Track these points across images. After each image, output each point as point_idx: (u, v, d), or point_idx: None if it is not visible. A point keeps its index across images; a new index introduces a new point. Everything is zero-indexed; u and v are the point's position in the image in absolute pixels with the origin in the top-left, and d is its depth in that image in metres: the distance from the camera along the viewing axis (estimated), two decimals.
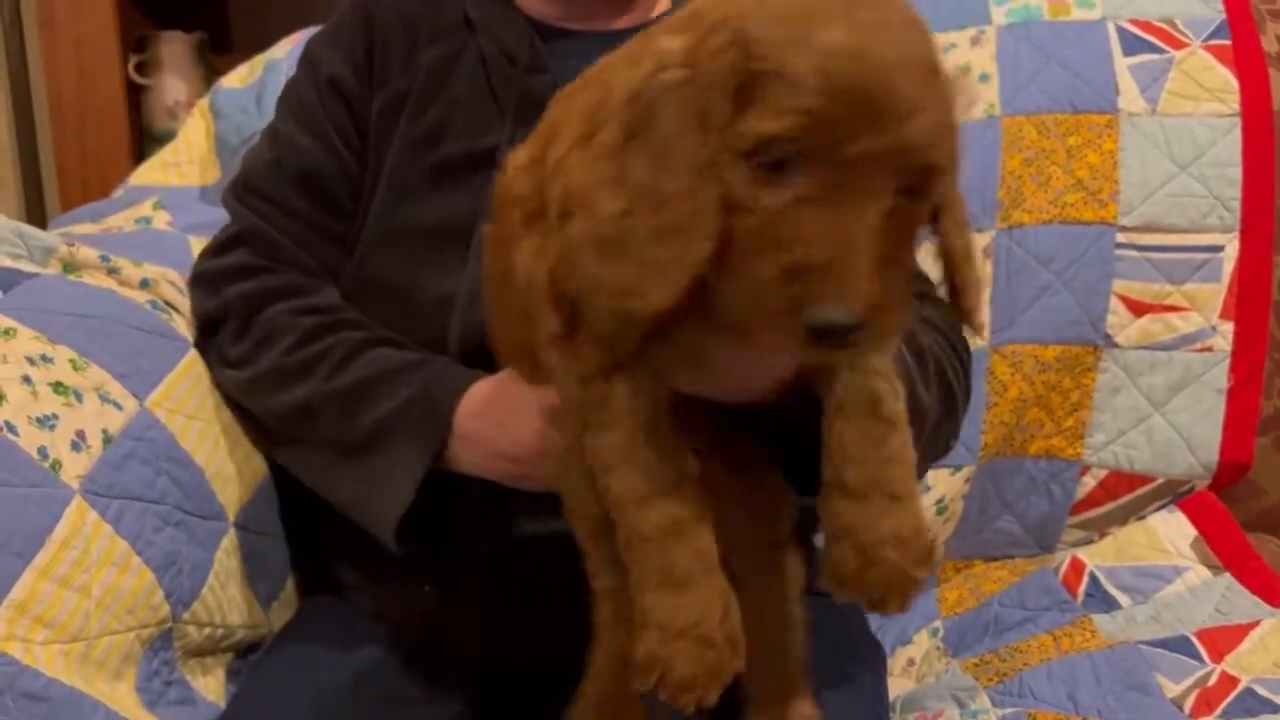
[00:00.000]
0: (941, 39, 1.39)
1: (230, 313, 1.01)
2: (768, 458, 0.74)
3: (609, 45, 1.05)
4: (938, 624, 1.28)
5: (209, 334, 1.04)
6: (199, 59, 2.03)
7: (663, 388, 0.63)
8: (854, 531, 0.61)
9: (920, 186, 0.53)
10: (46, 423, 0.83)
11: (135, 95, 1.99)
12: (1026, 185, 1.35)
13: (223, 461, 1.01)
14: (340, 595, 1.06)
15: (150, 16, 2.01)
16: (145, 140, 1.98)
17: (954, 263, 0.60)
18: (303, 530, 1.11)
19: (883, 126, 0.49)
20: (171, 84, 2.01)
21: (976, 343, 1.32)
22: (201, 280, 1.06)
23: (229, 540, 0.99)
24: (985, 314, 0.65)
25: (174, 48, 2.00)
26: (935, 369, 0.93)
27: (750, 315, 0.53)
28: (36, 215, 2.03)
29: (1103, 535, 1.37)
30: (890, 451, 0.62)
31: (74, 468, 0.83)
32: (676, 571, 0.61)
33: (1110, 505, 1.36)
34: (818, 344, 0.51)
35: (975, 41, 1.40)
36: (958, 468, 1.33)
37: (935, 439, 0.94)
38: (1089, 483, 1.36)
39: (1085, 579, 1.21)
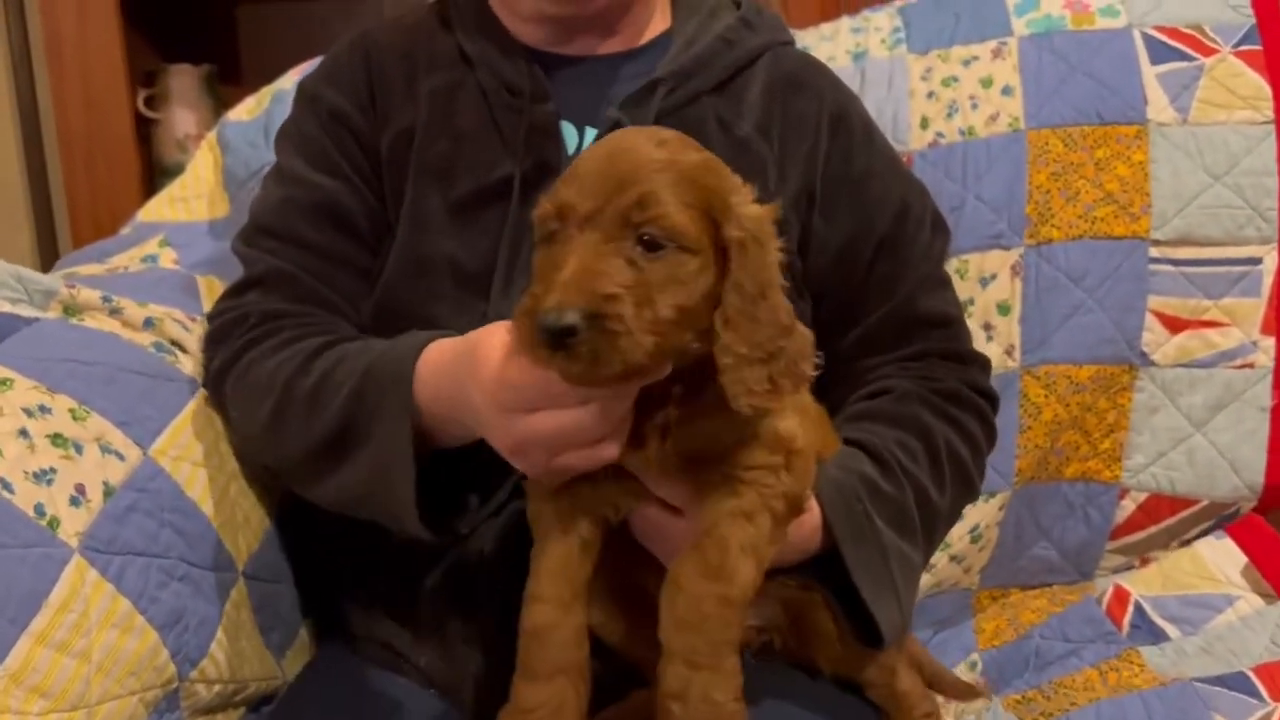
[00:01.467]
0: (962, 51, 1.37)
1: (233, 365, 0.97)
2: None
3: (602, 72, 1.05)
4: (975, 656, 1.24)
5: (216, 389, 0.99)
6: (208, 91, 2.01)
7: (592, 525, 0.81)
8: (659, 683, 0.76)
9: (650, 237, 0.69)
10: (44, 477, 0.80)
11: (145, 129, 1.97)
12: (1055, 200, 1.31)
13: (231, 509, 0.97)
14: (351, 646, 1.03)
15: (158, 49, 2.00)
16: (156, 174, 1.96)
17: (718, 349, 0.72)
18: (315, 572, 1.08)
19: (595, 199, 0.70)
20: (181, 117, 1.99)
21: (1006, 364, 1.29)
22: (210, 334, 1.01)
23: (238, 591, 0.96)
24: (755, 402, 0.72)
25: (183, 80, 1.99)
26: (948, 454, 0.98)
27: (517, 335, 0.70)
28: (49, 253, 2.02)
29: (1144, 561, 1.32)
30: (704, 614, 0.75)
31: (73, 524, 0.80)
32: (534, 665, 0.79)
33: (1152, 529, 1.31)
34: (553, 349, 0.66)
35: (996, 54, 1.36)
36: (992, 494, 1.28)
37: (951, 521, 1.03)
38: (1128, 506, 1.31)
39: (1130, 609, 1.16)
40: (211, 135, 1.49)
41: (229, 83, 2.02)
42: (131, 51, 1.86)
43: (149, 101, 1.96)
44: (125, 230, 1.43)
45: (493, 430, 0.77)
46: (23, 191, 2.03)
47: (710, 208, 0.72)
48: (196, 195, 1.46)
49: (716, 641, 0.74)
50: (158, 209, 1.44)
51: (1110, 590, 1.18)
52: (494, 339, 0.77)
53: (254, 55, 2.12)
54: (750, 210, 0.73)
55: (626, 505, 0.82)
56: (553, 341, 0.66)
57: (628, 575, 0.86)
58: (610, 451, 0.76)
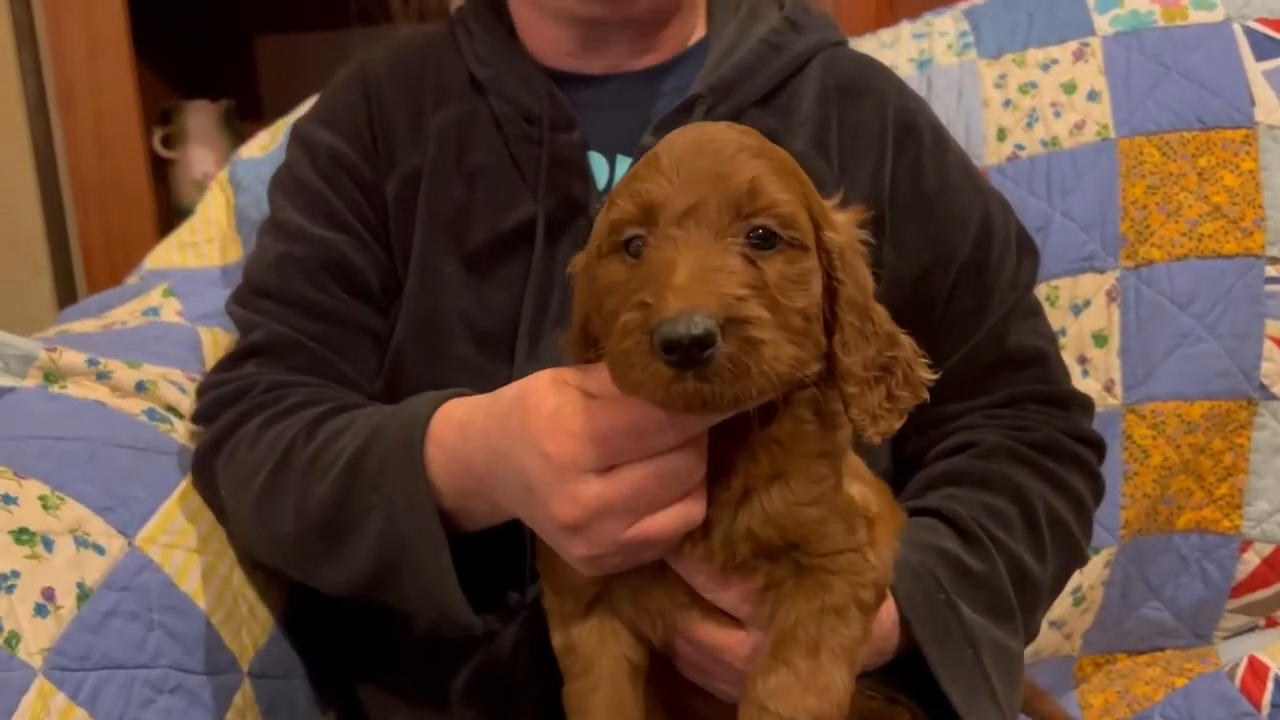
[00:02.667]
0: (1039, 54, 1.24)
1: (227, 438, 0.85)
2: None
3: (633, 90, 0.92)
4: None
5: (204, 464, 0.87)
6: (226, 128, 1.93)
7: (638, 645, 0.69)
8: None
9: (764, 229, 0.59)
10: (2, 584, 0.68)
11: (162, 170, 1.89)
12: (1153, 216, 1.17)
13: (233, 601, 0.85)
14: None
15: (174, 86, 1.92)
16: (174, 216, 1.87)
17: (842, 375, 0.63)
18: (332, 663, 0.95)
19: (694, 191, 0.59)
20: (199, 155, 1.91)
21: (1106, 401, 1.15)
22: (202, 409, 0.89)
23: (242, 695, 0.83)
24: (883, 428, 0.64)
25: (200, 118, 1.91)
26: (1048, 518, 0.86)
27: (618, 361, 0.57)
28: (69, 303, 1.93)
29: (1270, 622, 1.18)
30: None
31: (37, 639, 0.67)
32: None
33: (1278, 586, 1.16)
34: (683, 366, 0.54)
35: (1078, 55, 1.22)
36: (1096, 550, 1.14)
37: (1055, 594, 0.90)
38: (1251, 560, 1.17)
39: (1270, 685, 1.00)
40: (223, 174, 1.39)
41: (248, 119, 1.94)
42: (146, 89, 1.79)
43: (166, 140, 1.88)
44: (131, 279, 1.33)
45: (549, 500, 0.63)
46: (42, 240, 1.96)
47: (809, 205, 0.62)
48: (207, 239, 1.36)
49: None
50: (166, 255, 1.35)
51: (1244, 663, 1.03)
52: (544, 386, 0.64)
53: (274, 89, 2.04)
54: (841, 217, 0.64)
55: (672, 621, 0.68)
56: (684, 358, 0.53)
57: (669, 697, 0.73)
58: (699, 511, 0.63)
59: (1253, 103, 1.17)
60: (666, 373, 0.54)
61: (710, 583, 0.66)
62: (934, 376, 0.66)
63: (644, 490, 0.61)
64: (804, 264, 0.60)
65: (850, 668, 0.65)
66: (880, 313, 0.65)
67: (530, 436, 0.63)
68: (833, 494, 0.65)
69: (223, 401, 0.86)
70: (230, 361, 0.90)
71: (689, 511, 0.63)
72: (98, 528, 0.77)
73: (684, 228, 0.58)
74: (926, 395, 0.66)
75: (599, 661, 0.68)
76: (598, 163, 0.89)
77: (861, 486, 0.70)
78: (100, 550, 0.76)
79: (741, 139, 0.62)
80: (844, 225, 0.65)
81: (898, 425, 0.64)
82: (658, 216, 0.59)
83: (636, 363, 0.56)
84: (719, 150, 0.60)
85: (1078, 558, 0.91)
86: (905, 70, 1.27)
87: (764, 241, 0.59)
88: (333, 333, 0.88)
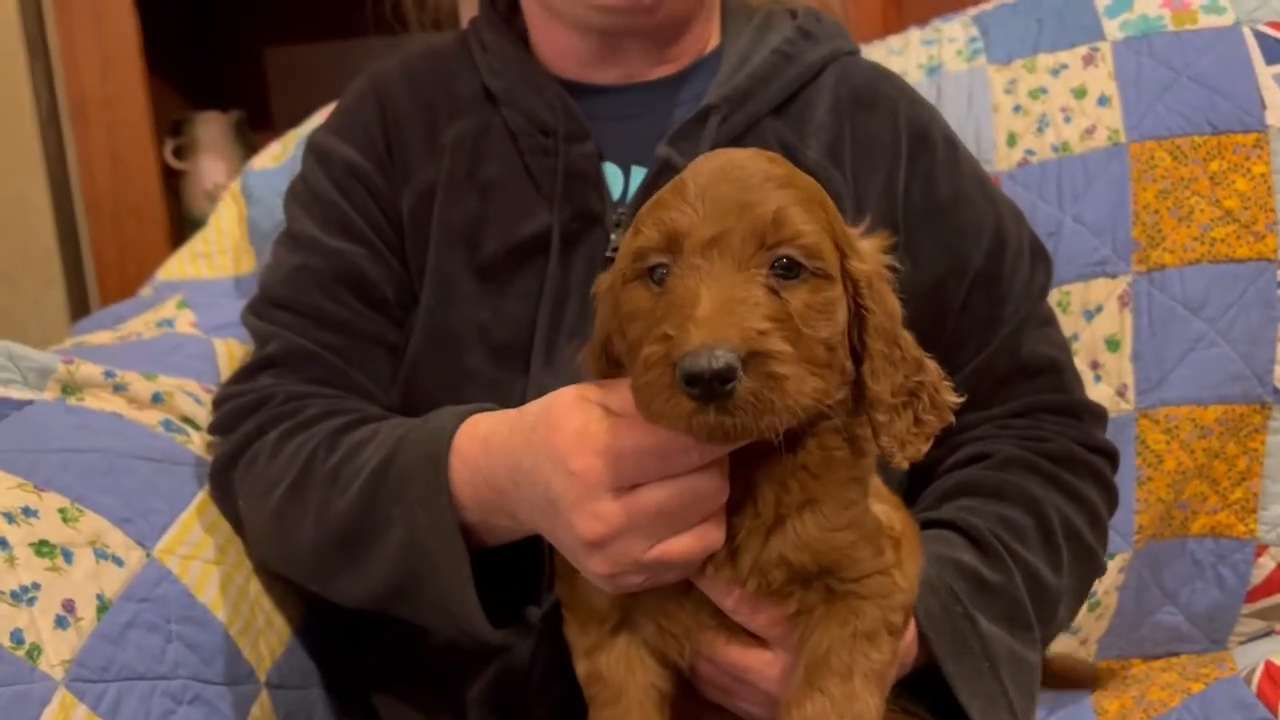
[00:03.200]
0: (1048, 60, 1.24)
1: (245, 449, 0.85)
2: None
3: (648, 100, 0.91)
4: None
5: (222, 476, 0.87)
6: (238, 138, 1.94)
7: (664, 672, 0.69)
8: None
9: (788, 260, 0.59)
10: (23, 596, 0.68)
11: (174, 182, 1.90)
12: (1165, 221, 1.16)
13: (251, 611, 0.86)
14: None
15: (185, 97, 1.92)
16: (186, 228, 1.88)
17: (871, 403, 0.63)
18: (349, 672, 0.95)
19: (719, 221, 0.58)
20: (210, 166, 1.92)
21: (1120, 406, 1.14)
22: (218, 421, 0.89)
23: (260, 706, 0.84)
24: (911, 453, 0.64)
25: (211, 129, 1.91)
26: (1063, 529, 0.86)
27: (642, 392, 0.58)
28: (82, 314, 1.95)
29: None
30: None
31: (58, 651, 0.68)
32: None
33: None
34: (705, 400, 0.54)
35: (1089, 61, 1.22)
36: (1110, 555, 1.13)
37: (1072, 606, 0.90)
38: (1267, 564, 1.16)
39: None
40: (235, 185, 1.40)
41: (259, 129, 1.95)
42: (157, 101, 1.80)
43: (177, 152, 1.89)
44: (144, 291, 1.33)
45: (572, 516, 0.63)
46: (55, 253, 1.98)
47: (834, 234, 0.62)
48: (220, 250, 1.37)
49: None
50: (178, 267, 1.35)
51: (1260, 668, 1.02)
52: (569, 404, 0.64)
53: (285, 99, 2.05)
54: (866, 244, 0.64)
55: (697, 643, 0.68)
56: (705, 391, 0.54)
57: (684, 715, 0.73)
58: (719, 536, 0.63)
59: (1264, 106, 1.16)
60: (689, 405, 0.55)
61: (742, 606, 0.66)
62: (959, 400, 0.67)
63: (666, 510, 0.62)
64: (828, 293, 0.60)
65: (882, 692, 0.65)
66: (907, 338, 0.66)
67: (555, 453, 0.63)
68: (862, 518, 0.66)
69: (239, 413, 0.86)
70: (246, 373, 0.90)
71: (709, 535, 0.63)
72: (117, 539, 0.77)
73: (708, 258, 0.58)
74: (953, 419, 0.66)
75: (628, 690, 0.68)
76: (612, 174, 0.89)
77: (883, 506, 0.70)
78: (119, 562, 0.76)
79: (769, 168, 0.62)
80: (870, 253, 0.65)
81: (925, 450, 0.64)
82: (682, 245, 0.59)
83: (660, 394, 0.56)
84: (745, 179, 0.60)
85: (1095, 568, 0.91)
86: (914, 77, 1.27)
87: (788, 272, 0.59)
88: (348, 344, 0.88)
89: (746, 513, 0.64)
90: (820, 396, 0.58)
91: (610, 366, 0.66)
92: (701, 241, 0.58)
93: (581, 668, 0.70)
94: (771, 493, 0.63)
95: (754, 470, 0.63)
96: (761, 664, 0.68)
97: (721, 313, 0.55)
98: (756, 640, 0.68)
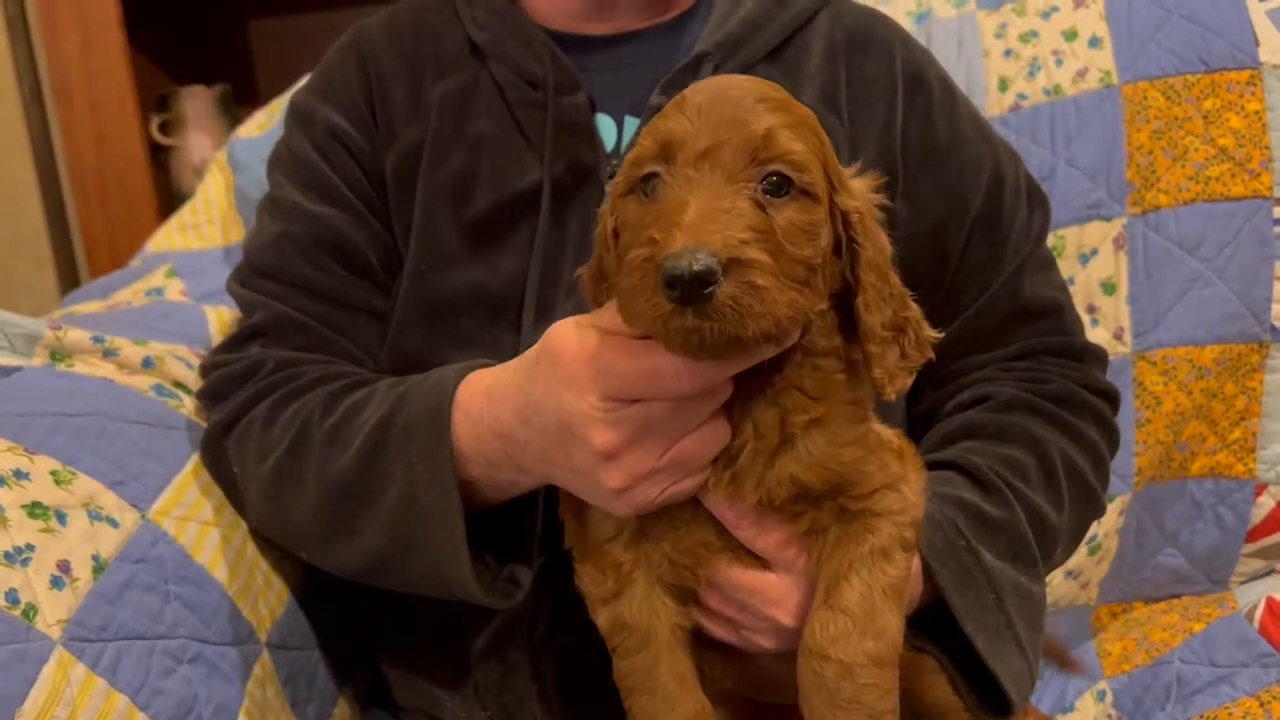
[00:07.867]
0: (1038, 2, 1.22)
1: (240, 417, 0.84)
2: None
3: (640, 50, 0.90)
4: (1104, 685, 1.08)
5: (215, 444, 0.86)
6: (224, 112, 1.92)
7: (684, 611, 0.70)
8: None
9: (776, 176, 0.60)
10: (17, 557, 0.68)
11: (162, 157, 1.88)
12: (1159, 161, 1.15)
13: (249, 571, 0.85)
14: (397, 718, 0.90)
15: (170, 72, 1.90)
16: (175, 202, 1.86)
17: (865, 335, 0.64)
18: (351, 633, 0.95)
19: (713, 134, 0.60)
20: (197, 141, 1.90)
21: (1116, 349, 1.14)
22: (208, 388, 0.89)
23: (262, 666, 0.83)
24: (898, 385, 0.66)
25: (196, 103, 1.89)
26: (1065, 468, 0.86)
27: (625, 294, 0.59)
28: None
29: None
30: (860, 684, 0.64)
31: (54, 611, 0.67)
32: None
33: None
34: (684, 302, 0.55)
35: (1079, 2, 1.21)
36: (1110, 498, 1.13)
37: (1073, 544, 0.91)
38: (1266, 503, 1.16)
39: None
40: (221, 155, 1.39)
41: (245, 102, 1.93)
42: (141, 77, 1.77)
43: (163, 127, 1.87)
44: (134, 262, 1.33)
45: (588, 431, 0.64)
46: (44, 232, 1.97)
47: (825, 163, 0.63)
48: (208, 220, 1.36)
49: (878, 713, 0.64)
50: (166, 238, 1.34)
51: (1261, 604, 1.02)
52: (566, 330, 0.65)
53: (270, 71, 2.02)
54: (857, 181, 0.65)
55: (707, 569, 0.69)
56: (685, 293, 0.54)
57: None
58: (726, 429, 0.65)
59: (1257, 43, 1.15)
60: (666, 307, 0.55)
61: (745, 521, 0.67)
62: (939, 335, 0.68)
63: (671, 416, 0.63)
64: (813, 215, 0.61)
65: (901, 608, 0.66)
66: (894, 275, 0.67)
67: (563, 374, 0.64)
68: (866, 436, 0.67)
69: (230, 380, 0.86)
70: (234, 342, 0.89)
71: (719, 429, 0.64)
72: (110, 501, 0.77)
73: (699, 169, 0.59)
74: (933, 354, 0.67)
75: (656, 633, 0.69)
76: (606, 125, 0.88)
77: (882, 426, 0.71)
78: (114, 523, 0.75)
79: (765, 90, 0.63)
80: (859, 190, 0.66)
81: (909, 383, 0.66)
82: (676, 155, 0.60)
83: (641, 295, 0.57)
84: (741, 99, 0.61)
85: (1095, 508, 0.91)
86: (903, 24, 1.25)
87: (776, 189, 0.60)
88: (333, 312, 0.88)
89: (747, 433, 0.65)
90: (796, 312, 0.58)
91: (603, 284, 0.68)
92: (695, 153, 0.59)
93: (603, 617, 0.70)
94: (773, 415, 0.64)
95: (752, 394, 0.64)
96: (765, 585, 0.68)
97: (706, 219, 0.56)
98: (761, 563, 0.69)
